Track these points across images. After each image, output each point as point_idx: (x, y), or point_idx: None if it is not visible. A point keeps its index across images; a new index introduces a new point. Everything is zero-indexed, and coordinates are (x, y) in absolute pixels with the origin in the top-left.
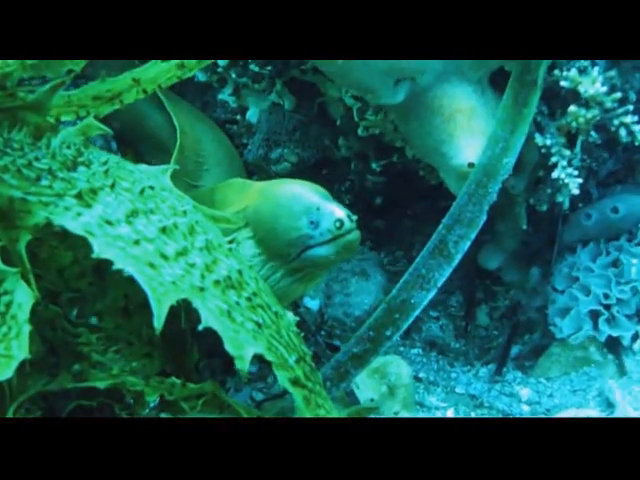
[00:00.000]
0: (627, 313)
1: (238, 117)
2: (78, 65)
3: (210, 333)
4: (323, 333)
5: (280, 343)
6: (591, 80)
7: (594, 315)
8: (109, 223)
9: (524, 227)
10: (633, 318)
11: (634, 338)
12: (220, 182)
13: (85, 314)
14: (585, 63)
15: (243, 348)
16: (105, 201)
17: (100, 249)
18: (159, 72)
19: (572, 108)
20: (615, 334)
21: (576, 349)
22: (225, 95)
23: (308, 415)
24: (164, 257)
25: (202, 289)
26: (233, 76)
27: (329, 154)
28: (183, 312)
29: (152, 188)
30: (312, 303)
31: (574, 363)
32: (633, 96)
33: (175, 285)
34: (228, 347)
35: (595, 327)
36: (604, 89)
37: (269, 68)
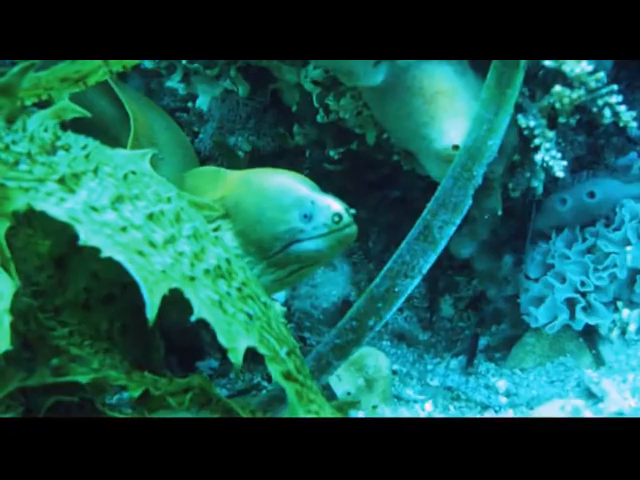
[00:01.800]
0: (604, 300)
1: (189, 105)
2: None
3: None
4: (292, 325)
5: (271, 335)
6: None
7: (570, 303)
8: (94, 209)
9: (499, 213)
10: (610, 306)
11: (611, 326)
12: (176, 171)
13: (47, 308)
14: None
15: (236, 340)
16: (89, 186)
17: (87, 236)
18: None
19: (557, 88)
20: (592, 322)
21: (551, 338)
22: (174, 82)
23: (300, 410)
24: (153, 245)
25: (193, 278)
26: (183, 62)
27: (284, 142)
28: None
29: (134, 173)
30: (277, 295)
31: (549, 353)
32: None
33: (165, 274)
34: (221, 339)
35: (572, 316)
36: (590, 68)
37: None
